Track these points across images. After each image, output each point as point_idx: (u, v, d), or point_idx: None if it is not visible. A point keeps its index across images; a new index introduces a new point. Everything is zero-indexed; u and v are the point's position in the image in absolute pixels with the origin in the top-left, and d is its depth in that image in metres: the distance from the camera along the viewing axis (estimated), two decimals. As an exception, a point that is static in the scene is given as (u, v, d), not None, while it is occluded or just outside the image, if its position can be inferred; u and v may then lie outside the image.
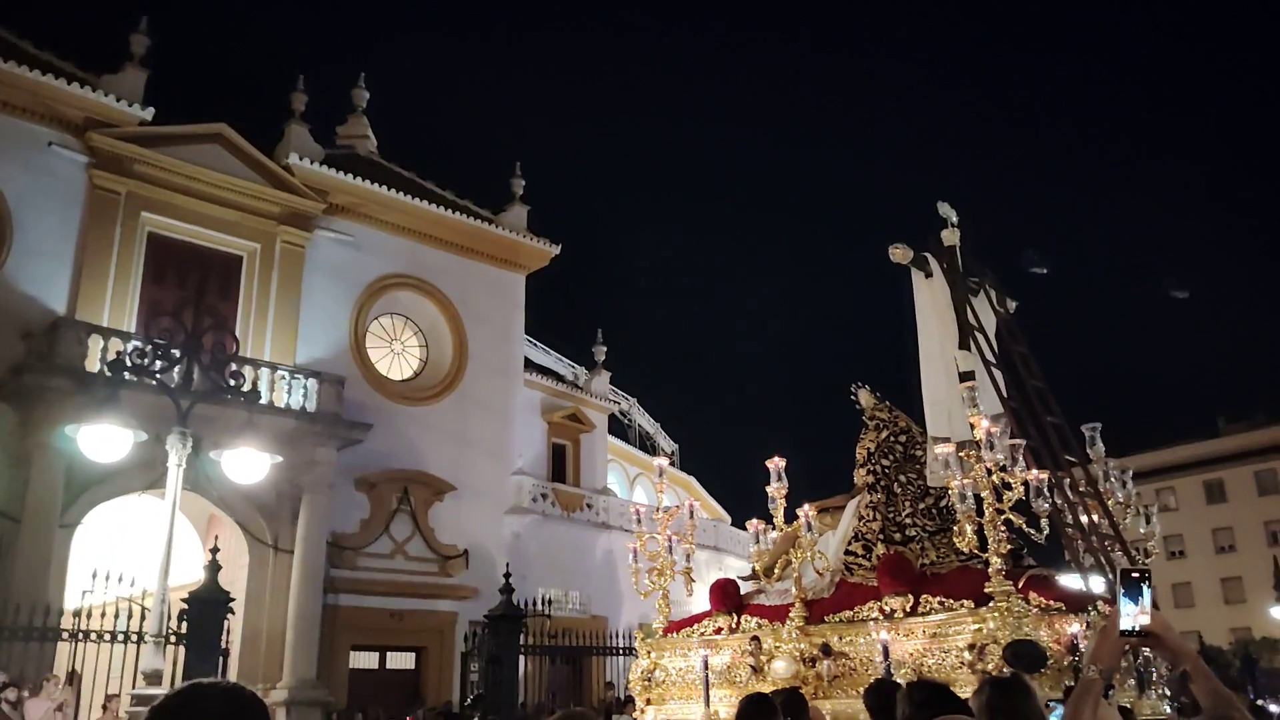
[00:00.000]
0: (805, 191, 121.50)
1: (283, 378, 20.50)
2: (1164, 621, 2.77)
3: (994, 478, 7.73)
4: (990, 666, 7.28)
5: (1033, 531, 7.89)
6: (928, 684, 3.91)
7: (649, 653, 9.72)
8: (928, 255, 9.56)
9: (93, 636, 14.67)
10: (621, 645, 18.59)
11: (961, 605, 7.93)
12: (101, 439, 11.26)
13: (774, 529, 9.35)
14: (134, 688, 12.46)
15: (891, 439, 9.99)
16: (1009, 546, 8.08)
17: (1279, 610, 42.65)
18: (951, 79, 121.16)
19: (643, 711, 9.55)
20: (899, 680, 6.83)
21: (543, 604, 19.75)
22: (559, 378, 29.39)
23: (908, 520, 9.39)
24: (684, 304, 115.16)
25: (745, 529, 9.94)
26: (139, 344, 15.35)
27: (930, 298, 9.48)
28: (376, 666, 22.35)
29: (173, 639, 13.56)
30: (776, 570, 9.27)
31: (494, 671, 18.21)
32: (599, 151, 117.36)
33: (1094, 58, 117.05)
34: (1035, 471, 8.00)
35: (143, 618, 14.66)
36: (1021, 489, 7.80)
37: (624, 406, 34.46)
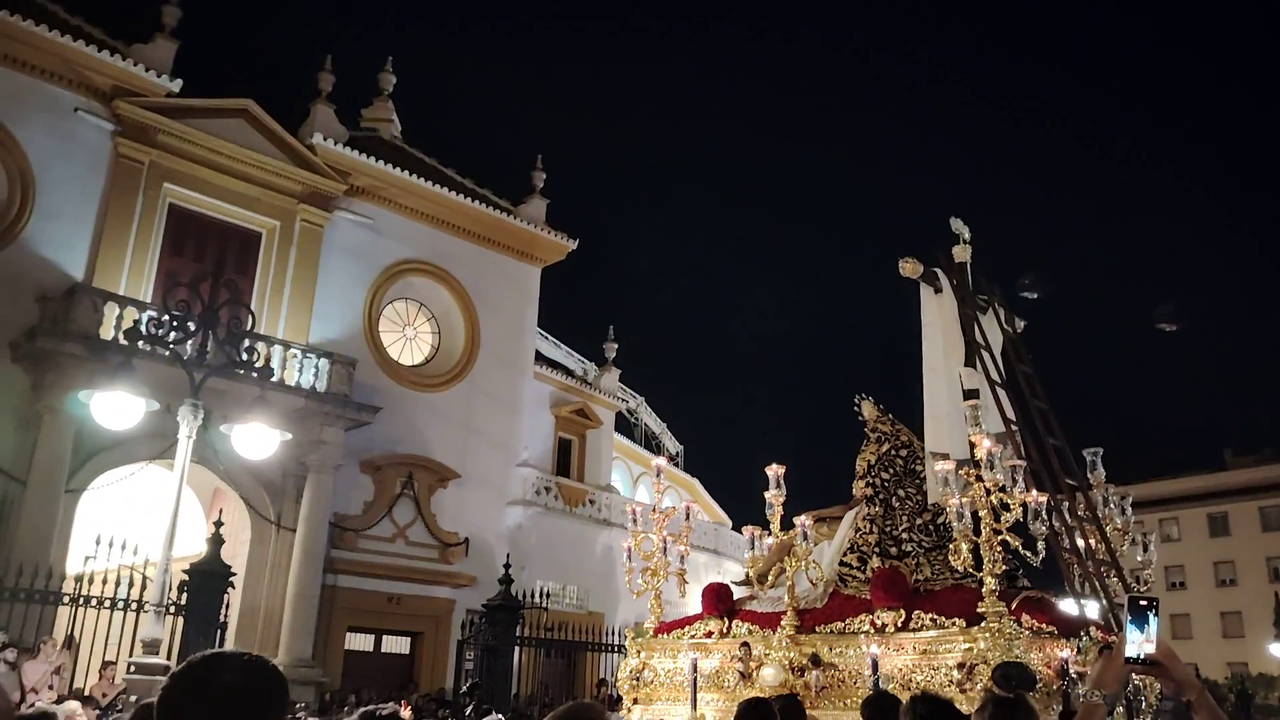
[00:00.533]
0: (818, 197, 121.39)
1: (295, 356, 20.61)
2: (1169, 650, 2.77)
3: (993, 498, 7.76)
4: (979, 687, 7.30)
5: (1029, 554, 7.91)
6: (931, 698, 3.87)
7: (639, 652, 9.75)
8: (938, 271, 9.58)
9: (93, 602, 14.78)
10: (617, 643, 18.64)
11: (953, 624, 7.94)
12: (113, 406, 11.36)
13: (770, 536, 9.38)
14: (132, 655, 12.56)
15: (893, 452, 10.00)
16: (1004, 568, 8.11)
17: (1277, 647, 42.51)
18: (960, 83, 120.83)
19: (629, 711, 9.58)
20: (897, 694, 6.83)
21: (541, 597, 19.84)
22: (569, 372, 29.44)
23: (904, 535, 9.41)
24: (695, 305, 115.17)
25: (744, 534, 9.97)
26: (155, 314, 15.51)
27: (938, 313, 9.51)
28: (372, 649, 22.46)
29: (172, 609, 13.68)
30: (770, 578, 9.30)
31: (489, 661, 18.32)
32: (617, 150, 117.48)
33: (1108, 66, 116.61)
34: (1035, 493, 8.02)
35: (143, 586, 14.79)
36: (1020, 510, 7.82)
37: (631, 405, 34.50)
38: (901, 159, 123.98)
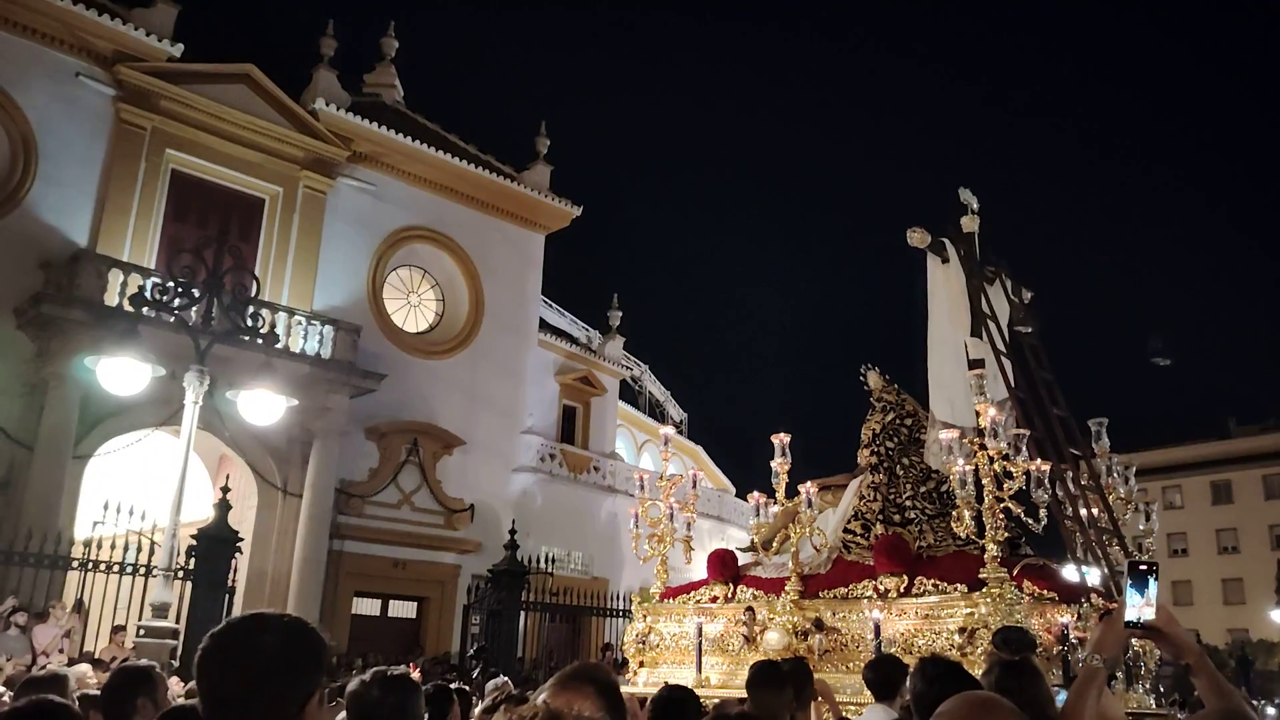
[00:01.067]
0: (822, 172, 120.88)
1: (299, 323, 20.63)
2: (1169, 615, 2.79)
3: (996, 466, 7.80)
4: (980, 651, 7.38)
5: (1030, 521, 7.97)
6: (941, 660, 3.86)
7: (645, 616, 9.86)
8: (945, 241, 9.58)
9: (101, 567, 14.90)
10: (621, 608, 18.77)
11: (955, 589, 8.02)
12: (120, 372, 11.42)
13: (775, 503, 9.45)
14: (141, 619, 12.68)
15: (897, 421, 10.05)
16: (1007, 535, 8.17)
17: (1278, 613, 42.73)
18: (963, 75, 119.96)
19: (635, 674, 9.71)
20: (899, 657, 6.89)
21: (546, 562, 19.95)
22: (573, 340, 29.43)
23: (908, 502, 9.48)
24: (700, 274, 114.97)
25: (748, 501, 10.06)
26: (159, 280, 15.56)
27: (944, 283, 9.51)
28: (378, 614, 22.62)
29: (181, 574, 13.79)
30: (775, 544, 9.38)
31: (495, 625, 18.48)
32: (622, 117, 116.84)
33: (1109, 55, 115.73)
34: (1038, 462, 8.07)
35: (151, 551, 14.90)
36: (1023, 479, 7.87)
37: (636, 373, 34.52)
38: (908, 143, 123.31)
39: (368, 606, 22.33)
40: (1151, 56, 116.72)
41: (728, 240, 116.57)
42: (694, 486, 9.95)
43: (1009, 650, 6.96)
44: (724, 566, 9.78)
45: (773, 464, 9.20)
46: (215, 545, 15.16)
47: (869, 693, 7.71)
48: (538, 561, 19.67)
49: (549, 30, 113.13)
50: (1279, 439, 54.86)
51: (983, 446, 7.90)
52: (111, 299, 17.87)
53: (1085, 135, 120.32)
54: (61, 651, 13.49)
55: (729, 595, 9.49)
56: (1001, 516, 7.85)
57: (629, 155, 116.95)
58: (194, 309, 13.26)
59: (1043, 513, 8.03)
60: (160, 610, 11.81)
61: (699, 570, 10.21)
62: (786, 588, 8.85)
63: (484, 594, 19.31)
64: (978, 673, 4.11)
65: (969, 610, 7.78)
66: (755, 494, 9.72)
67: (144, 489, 17.24)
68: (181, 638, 13.20)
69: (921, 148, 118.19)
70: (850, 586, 8.69)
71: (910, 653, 7.64)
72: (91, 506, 16.91)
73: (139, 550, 15.15)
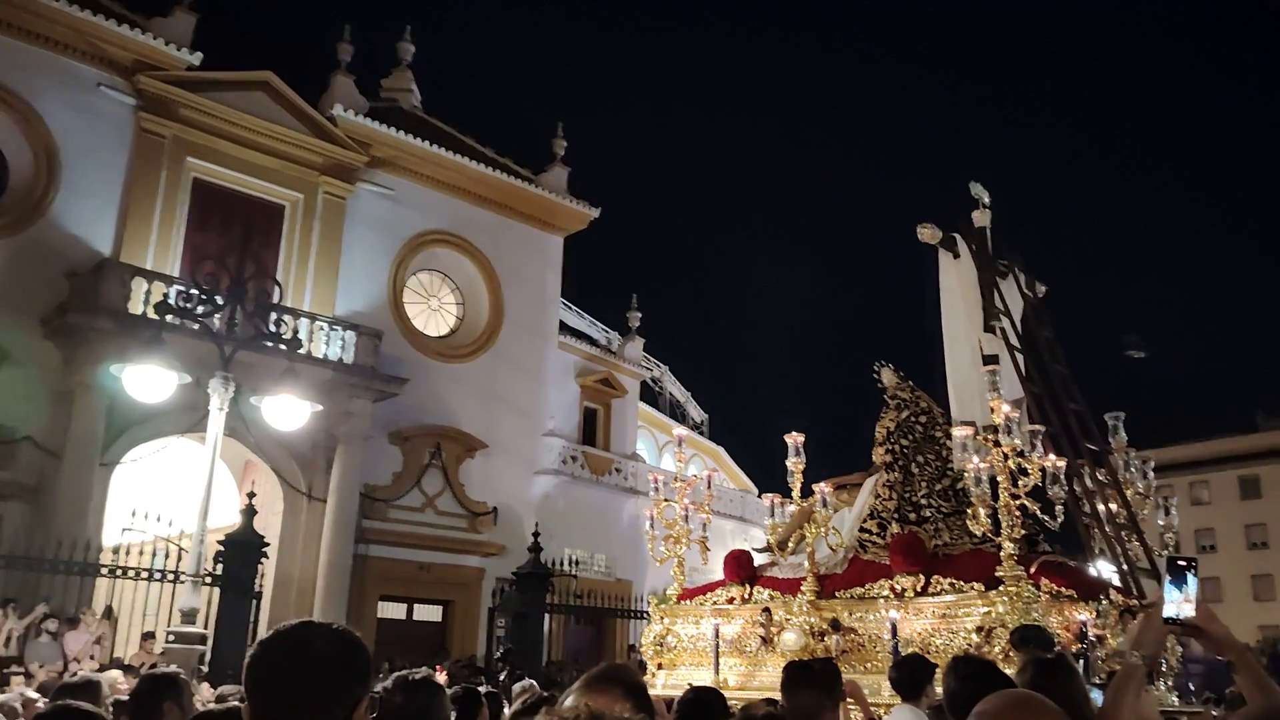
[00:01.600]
0: (837, 172, 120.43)
1: (321, 329, 20.77)
2: (1209, 611, 2.74)
3: (1011, 462, 7.80)
4: (997, 650, 7.39)
5: (1047, 518, 7.96)
6: (974, 659, 3.87)
7: (662, 618, 9.91)
8: (957, 236, 9.57)
9: (130, 574, 15.07)
10: (645, 609, 18.81)
11: (972, 588, 8.02)
12: (146, 380, 11.58)
13: (790, 503, 9.47)
14: (170, 625, 12.85)
15: (912, 419, 10.05)
16: (1024, 532, 8.16)
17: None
18: (968, 75, 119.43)
19: (653, 676, 9.74)
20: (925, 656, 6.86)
21: (569, 564, 20.00)
22: (592, 342, 29.48)
23: (923, 501, 9.48)
24: (718, 274, 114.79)
25: (764, 501, 10.09)
26: (183, 288, 15.71)
27: (957, 279, 9.50)
28: (404, 617, 22.74)
29: (208, 580, 13.93)
30: (791, 544, 9.41)
31: (520, 627, 18.57)
32: (637, 119, 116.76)
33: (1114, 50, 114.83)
34: (1053, 458, 8.06)
35: (179, 558, 15.06)
36: (1038, 475, 7.87)
37: (656, 374, 34.55)
38: (918, 134, 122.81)
39: (393, 610, 22.46)
40: (1170, 54, 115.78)
41: (746, 239, 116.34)
42: (708, 487, 9.97)
43: (1026, 649, 6.99)
44: (740, 567, 9.80)
45: (787, 463, 9.23)
46: (242, 551, 15.28)
47: (888, 693, 7.75)
48: (561, 564, 19.73)
49: (564, 33, 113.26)
50: (1307, 432, 54.27)
51: (997, 443, 7.90)
52: (136, 307, 18.05)
53: (1101, 127, 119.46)
54: (93, 658, 13.66)
55: (745, 596, 9.51)
56: (1018, 514, 7.85)
57: (646, 156, 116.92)
58: (218, 316, 13.40)
59: (1059, 509, 8.03)
60: (189, 616, 11.98)
61: (718, 571, 10.24)
62: (803, 588, 8.87)
63: (508, 596, 19.41)
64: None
65: (986, 609, 7.78)
66: (770, 494, 9.74)
67: (171, 495, 17.43)
68: (209, 643, 13.37)
69: (931, 148, 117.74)
70: (867, 586, 8.70)
71: (928, 652, 7.65)
72: (120, 513, 17.09)
73: (167, 556, 15.31)
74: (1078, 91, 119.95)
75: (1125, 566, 8.60)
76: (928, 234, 9.49)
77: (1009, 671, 4.08)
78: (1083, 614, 7.85)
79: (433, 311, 25.12)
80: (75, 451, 17.47)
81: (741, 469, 35.93)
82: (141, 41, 20.17)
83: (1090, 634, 7.73)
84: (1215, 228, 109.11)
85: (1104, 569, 9.39)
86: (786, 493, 9.63)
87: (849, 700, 5.98)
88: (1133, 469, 9.47)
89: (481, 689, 6.35)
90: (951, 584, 8.18)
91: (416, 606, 22.95)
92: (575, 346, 27.81)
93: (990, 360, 8.89)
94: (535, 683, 10.11)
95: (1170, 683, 8.58)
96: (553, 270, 27.06)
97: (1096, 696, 5.87)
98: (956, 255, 9.55)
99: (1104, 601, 8.11)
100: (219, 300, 12.96)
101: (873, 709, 7.05)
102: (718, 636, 8.98)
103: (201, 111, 20.84)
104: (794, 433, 9.22)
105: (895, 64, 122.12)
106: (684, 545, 9.87)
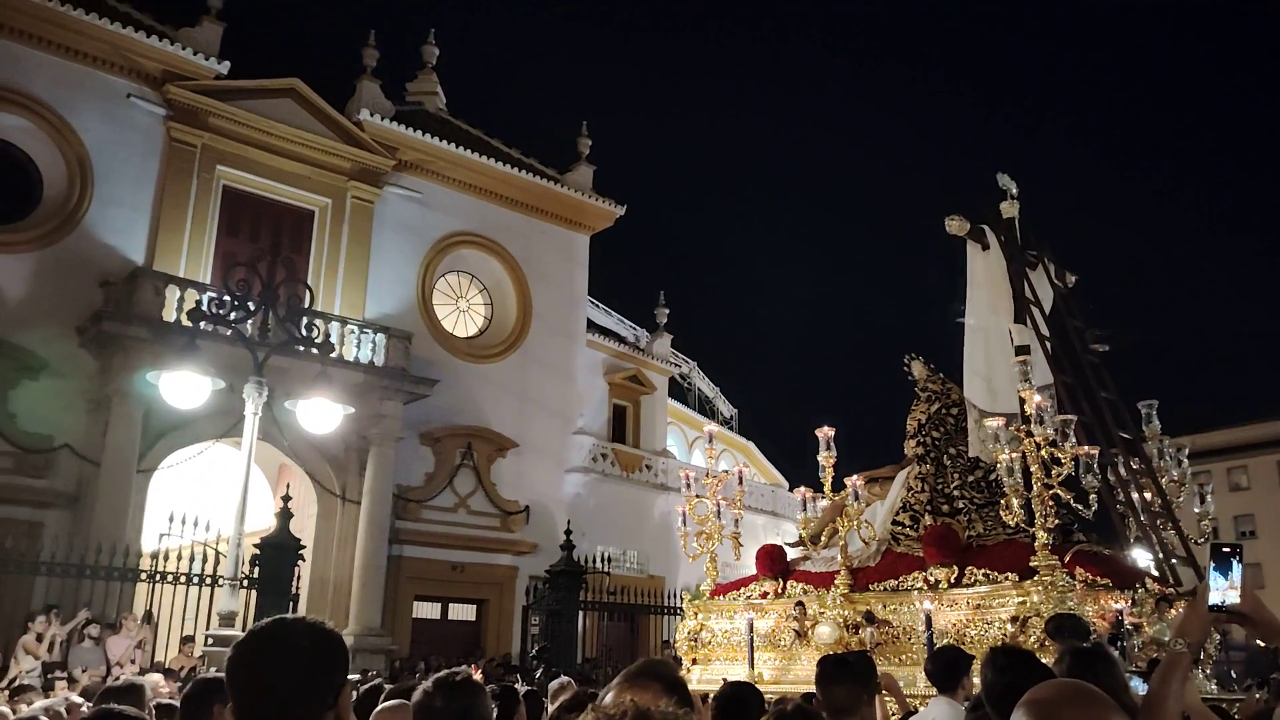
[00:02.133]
0: (864, 166, 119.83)
1: (352, 332, 20.93)
2: (1255, 598, 2.71)
3: (1043, 452, 7.78)
4: (1032, 640, 7.37)
5: (1080, 507, 7.93)
6: (1012, 650, 3.79)
7: (695, 614, 9.94)
8: (985, 228, 9.54)
9: (169, 578, 15.24)
10: (678, 605, 18.82)
11: (1006, 578, 8.00)
12: (181, 386, 11.70)
13: (822, 497, 9.48)
14: (209, 628, 12.99)
15: (943, 411, 10.02)
16: (1058, 522, 8.12)
17: (1351, 593, 41.77)
18: (989, 75, 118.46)
19: (688, 671, 9.77)
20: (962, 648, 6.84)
21: (602, 561, 20.05)
22: (620, 339, 29.53)
23: (956, 492, 9.45)
24: (746, 269, 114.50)
25: (795, 496, 10.08)
26: (215, 294, 15.87)
27: (985, 270, 9.47)
28: (439, 617, 22.88)
29: (246, 583, 14.06)
30: (823, 538, 9.41)
31: (554, 625, 18.64)
32: (661, 116, 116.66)
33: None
34: (1085, 447, 8.03)
35: (216, 561, 15.21)
36: (1071, 464, 7.83)
37: (684, 370, 34.55)
38: (945, 130, 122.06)
39: (428, 610, 22.61)
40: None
41: (773, 233, 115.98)
42: (740, 483, 9.99)
43: (1062, 638, 6.97)
44: (773, 562, 9.82)
45: (818, 458, 9.23)
46: (278, 554, 15.41)
47: (923, 685, 7.76)
48: (594, 561, 19.80)
49: (586, 34, 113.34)
50: (1347, 415, 53.50)
51: (1029, 433, 7.87)
52: (170, 314, 18.26)
53: (1127, 113, 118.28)
54: (134, 662, 13.85)
55: (779, 591, 9.52)
56: (1051, 503, 7.82)
57: (671, 152, 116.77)
58: (250, 322, 13.54)
59: (1092, 498, 7.99)
60: (227, 619, 12.09)
61: (750, 566, 10.25)
62: (836, 581, 8.88)
63: (542, 594, 19.48)
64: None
65: (1020, 599, 7.76)
66: (801, 489, 9.75)
67: (207, 500, 17.60)
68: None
69: (956, 144, 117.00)
70: (900, 578, 8.70)
71: (963, 643, 7.65)
72: (157, 519, 17.29)
73: (204, 561, 15.47)
74: (1110, 82, 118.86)
75: (1161, 554, 8.54)
76: (955, 225, 9.46)
77: (1045, 661, 4.06)
78: (1118, 603, 7.81)
79: (461, 313, 25.25)
80: (113, 459, 17.69)
81: (772, 463, 35.89)
82: (170, 52, 20.41)
83: (1126, 622, 7.69)
84: (1256, 207, 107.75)
85: (1139, 557, 9.33)
86: (818, 487, 9.63)
87: (885, 693, 5.98)
88: (1167, 457, 9.40)
89: (521, 688, 6.38)
90: (985, 575, 8.16)
91: (451, 606, 23.09)
92: (603, 344, 27.88)
93: (1022, 351, 8.86)
94: (571, 680, 10.16)
95: (1208, 670, 8.52)
96: (580, 268, 27.13)
97: (1136, 685, 5.85)
98: (985, 247, 9.52)
99: (1140, 590, 8.06)
100: (251, 306, 13.08)
101: (908, 701, 7.05)
102: (752, 631, 8.99)
103: (230, 120, 21.05)
104: (824, 427, 9.22)
105: (922, 69, 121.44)
106: (716, 541, 9.89)
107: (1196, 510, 9.32)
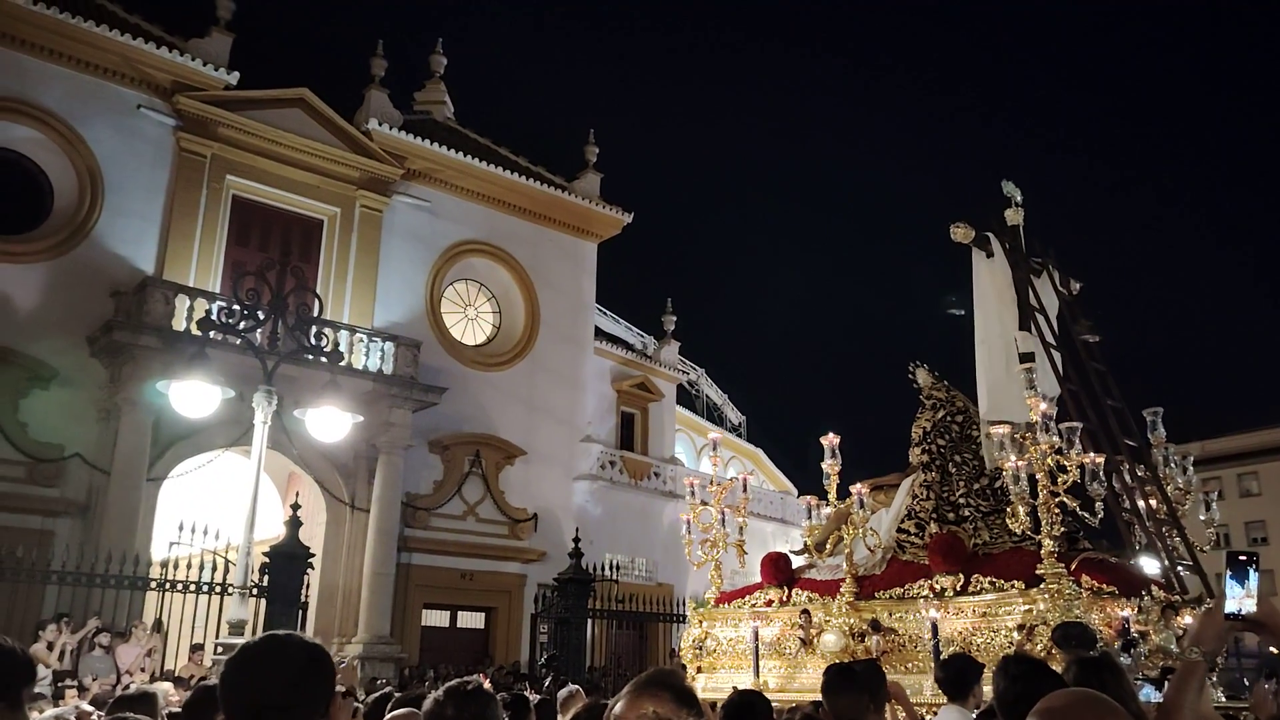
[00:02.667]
0: (874, 174, 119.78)
1: (361, 340, 21.00)
2: (1271, 606, 2.69)
3: (1049, 460, 7.79)
4: (1039, 647, 7.37)
5: (1086, 515, 7.93)
6: (1024, 658, 3.79)
7: (700, 622, 9.95)
8: (990, 235, 9.56)
9: (179, 587, 15.30)
10: (687, 613, 18.80)
11: (1012, 586, 8.01)
12: (191, 395, 11.76)
13: (827, 505, 9.49)
14: (218, 637, 13.04)
15: (948, 418, 10.03)
16: (1064, 529, 8.13)
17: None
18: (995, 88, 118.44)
19: (693, 679, 9.78)
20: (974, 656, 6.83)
21: (610, 569, 20.05)
22: (628, 347, 29.56)
23: (962, 500, 9.46)
24: (753, 276, 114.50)
25: (801, 503, 10.09)
26: (225, 303, 15.96)
27: (990, 278, 9.49)
28: (447, 625, 22.90)
29: (255, 591, 14.11)
30: (828, 546, 9.42)
31: (563, 633, 18.64)
32: (668, 123, 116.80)
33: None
34: (1091, 455, 8.03)
35: (226, 570, 15.27)
36: (1077, 472, 7.84)
37: (692, 377, 34.58)
38: (953, 135, 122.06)
39: (437, 618, 22.63)
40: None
41: (781, 240, 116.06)
42: (744, 490, 10.00)
43: (1068, 646, 6.98)
44: (778, 570, 9.83)
45: (823, 466, 9.25)
46: (288, 562, 15.43)
47: (929, 693, 7.77)
48: (602, 569, 19.78)
49: (593, 41, 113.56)
50: (1358, 420, 53.29)
51: (1035, 441, 7.88)
52: (179, 324, 18.35)
53: (1133, 113, 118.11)
54: (144, 670, 13.88)
55: (784, 598, 9.53)
56: (1057, 511, 7.83)
57: (678, 159, 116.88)
58: (259, 331, 13.59)
59: (1098, 506, 8.00)
60: (237, 627, 12.13)
61: (757, 574, 10.26)
62: (842, 589, 8.89)
63: (551, 602, 19.49)
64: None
65: (1027, 607, 7.77)
66: (806, 496, 9.75)
67: (217, 509, 17.68)
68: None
69: (965, 152, 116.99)
70: (906, 586, 8.71)
71: (969, 651, 7.65)
72: (167, 527, 17.35)
73: (214, 569, 15.52)
74: (1111, 89, 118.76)
75: (1167, 562, 8.54)
76: (961, 233, 9.48)
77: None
78: (1125, 610, 7.81)
79: (470, 321, 25.31)
80: (123, 467, 17.77)
81: (781, 470, 35.86)
82: (180, 63, 20.54)
83: (1132, 630, 7.69)
84: (1263, 212, 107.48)
85: (1147, 564, 9.32)
86: (824, 494, 9.65)
87: (893, 702, 5.97)
88: (1172, 464, 9.41)
89: (534, 698, 6.40)
90: (992, 583, 8.17)
91: (460, 614, 23.11)
92: (611, 352, 27.91)
93: (1027, 358, 8.87)
94: (580, 688, 10.17)
95: (1214, 678, 8.51)
96: (587, 276, 27.18)
97: (1148, 693, 5.84)
98: (990, 254, 9.54)
99: (1146, 597, 8.07)
100: (260, 315, 13.14)
101: (915, 709, 7.05)
102: (757, 639, 9.01)
103: (239, 130, 21.16)
104: (829, 435, 9.24)
105: (926, 76, 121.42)
106: (721, 549, 9.91)
107: (1202, 517, 9.31)
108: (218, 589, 15.22)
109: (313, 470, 20.32)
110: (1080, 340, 9.58)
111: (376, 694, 6.22)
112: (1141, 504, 8.92)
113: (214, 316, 14.45)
